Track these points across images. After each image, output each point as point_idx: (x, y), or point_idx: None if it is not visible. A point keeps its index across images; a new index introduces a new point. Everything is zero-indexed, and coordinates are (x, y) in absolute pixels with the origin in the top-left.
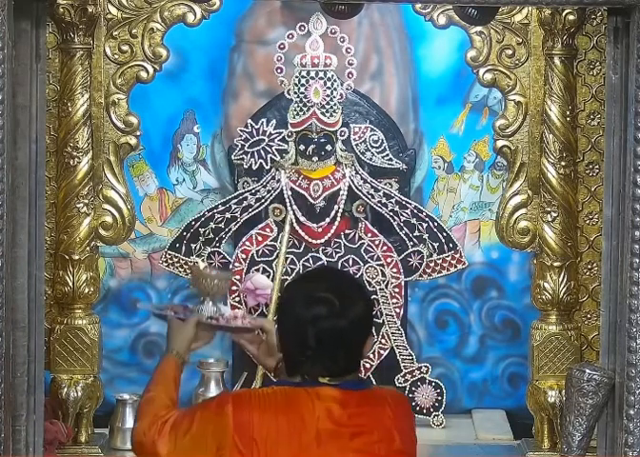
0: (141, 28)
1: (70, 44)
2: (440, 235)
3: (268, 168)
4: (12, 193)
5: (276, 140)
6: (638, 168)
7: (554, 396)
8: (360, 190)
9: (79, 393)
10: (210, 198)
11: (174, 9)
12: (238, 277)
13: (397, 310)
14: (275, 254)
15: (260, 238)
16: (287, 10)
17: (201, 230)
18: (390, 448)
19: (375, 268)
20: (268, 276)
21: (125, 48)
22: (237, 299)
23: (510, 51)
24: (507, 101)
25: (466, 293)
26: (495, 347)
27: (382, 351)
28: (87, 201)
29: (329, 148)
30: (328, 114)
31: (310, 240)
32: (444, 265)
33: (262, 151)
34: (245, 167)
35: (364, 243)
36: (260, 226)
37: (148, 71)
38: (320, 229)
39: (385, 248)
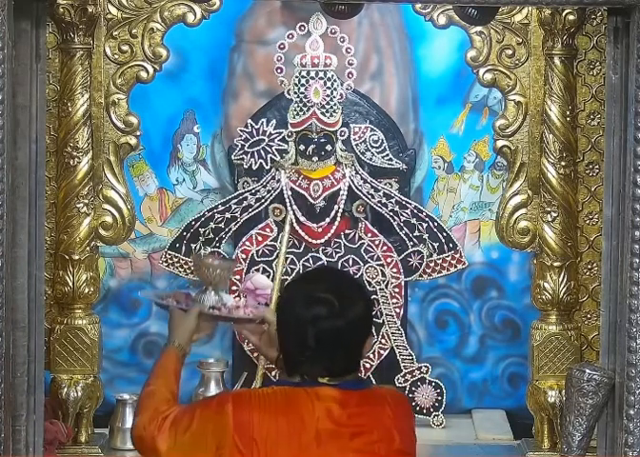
0: (141, 28)
1: (70, 44)
2: (440, 235)
3: (268, 168)
4: (12, 193)
5: (276, 140)
6: (638, 168)
7: (554, 396)
8: (360, 190)
9: (79, 393)
10: (210, 198)
11: (174, 9)
12: (238, 277)
13: (397, 310)
14: (275, 254)
15: (260, 238)
16: (287, 10)
17: (201, 230)
18: (390, 448)
19: (375, 268)
20: (268, 276)
21: (125, 48)
22: (237, 299)
23: (509, 51)
24: (507, 101)
25: (466, 293)
26: (495, 347)
27: (382, 351)
28: (87, 201)
29: (329, 148)
30: (328, 114)
31: (310, 240)
32: (444, 265)
33: (262, 151)
34: (245, 167)
35: (364, 243)
36: (260, 226)
37: (148, 71)
38: (320, 229)
39: (385, 248)
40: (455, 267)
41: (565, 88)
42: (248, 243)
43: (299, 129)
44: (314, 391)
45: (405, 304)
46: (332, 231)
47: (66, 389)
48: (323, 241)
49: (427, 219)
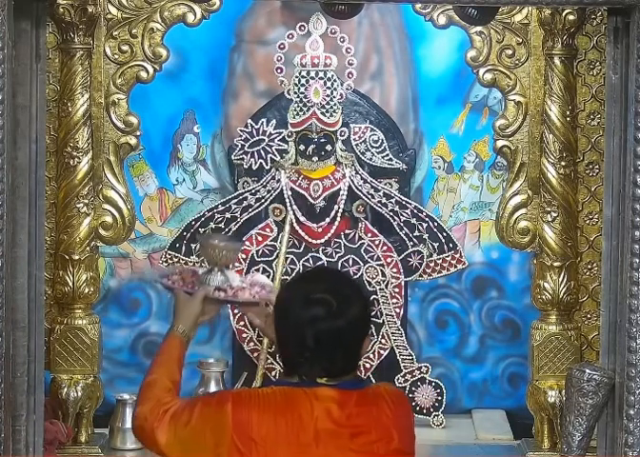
0: (141, 28)
1: (70, 44)
2: (440, 235)
3: (268, 168)
4: (12, 193)
5: (276, 140)
6: (638, 168)
7: (554, 396)
8: (360, 190)
9: (79, 393)
10: (210, 198)
11: (174, 9)
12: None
13: (397, 310)
14: (275, 254)
15: (260, 238)
16: (287, 10)
17: (201, 230)
18: (389, 448)
19: (375, 268)
20: (268, 276)
21: (125, 48)
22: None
23: (509, 51)
24: (507, 101)
25: (466, 293)
26: (495, 347)
27: (382, 351)
28: (87, 201)
29: (329, 148)
30: (328, 114)
31: (310, 240)
32: (444, 265)
33: (262, 151)
34: (245, 167)
35: (364, 243)
36: (260, 226)
37: (148, 71)
38: (320, 229)
39: (385, 248)
40: (455, 267)
41: (565, 88)
42: (248, 243)
43: (299, 129)
44: (313, 392)
45: (405, 304)
46: (332, 231)
47: (66, 389)
48: (323, 241)
49: (427, 219)
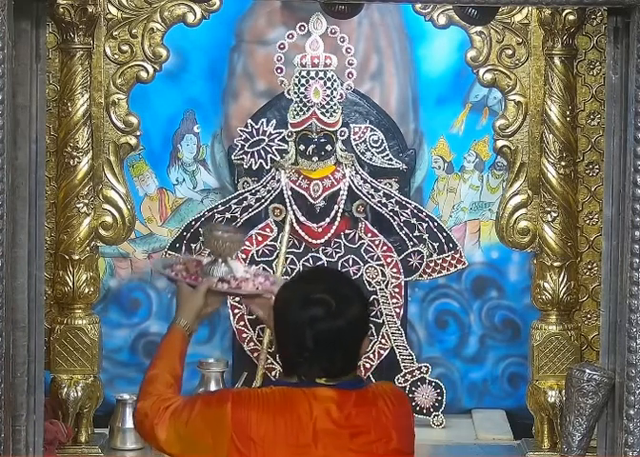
0: (141, 28)
1: (70, 44)
2: (440, 235)
3: (268, 168)
4: (12, 193)
5: (276, 140)
6: (638, 168)
7: (554, 396)
8: (360, 190)
9: (79, 393)
10: (210, 198)
11: (174, 9)
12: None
13: (397, 310)
14: (275, 254)
15: (260, 238)
16: (287, 10)
17: (201, 230)
18: (388, 448)
19: (375, 268)
20: None
21: (125, 48)
22: (237, 299)
23: (509, 51)
24: (507, 101)
25: (466, 293)
26: (495, 347)
27: (382, 351)
28: (87, 201)
29: (329, 148)
30: (328, 114)
31: (310, 240)
32: (444, 265)
33: (262, 151)
34: (245, 167)
35: (364, 243)
36: (260, 226)
37: (148, 71)
38: (320, 229)
39: (385, 248)
40: (455, 267)
41: (565, 88)
42: (248, 243)
43: (299, 129)
44: (312, 392)
45: (405, 304)
46: (332, 231)
47: (66, 389)
48: (323, 241)
49: (427, 219)
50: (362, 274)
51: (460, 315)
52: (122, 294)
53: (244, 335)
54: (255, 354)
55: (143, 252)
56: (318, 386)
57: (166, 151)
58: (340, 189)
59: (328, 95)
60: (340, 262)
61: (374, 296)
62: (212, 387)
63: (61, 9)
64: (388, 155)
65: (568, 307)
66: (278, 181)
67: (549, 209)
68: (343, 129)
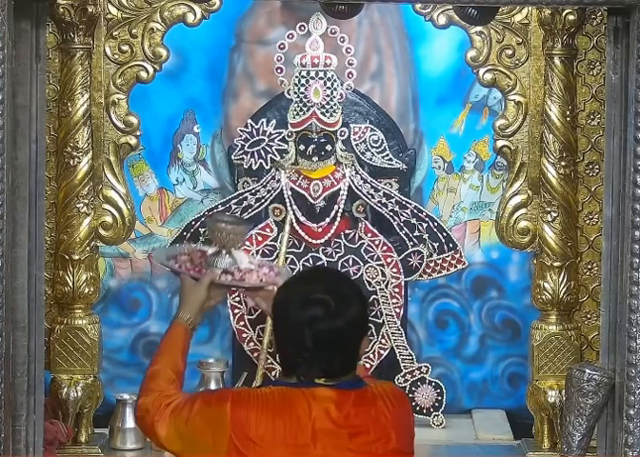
0: (141, 28)
1: (70, 44)
2: (440, 235)
3: (268, 168)
4: (12, 193)
5: (276, 140)
6: (638, 168)
7: (554, 396)
8: (360, 190)
9: (79, 393)
10: (210, 198)
11: (174, 9)
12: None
13: (397, 310)
14: (275, 254)
15: (260, 238)
16: (287, 10)
17: (201, 230)
18: (387, 448)
19: (375, 268)
20: None
21: (125, 48)
22: (237, 299)
23: (509, 51)
24: (507, 101)
25: (466, 293)
26: (495, 347)
27: (382, 351)
28: (87, 201)
29: (329, 148)
30: (328, 114)
31: (310, 240)
32: (444, 265)
33: (262, 151)
34: (245, 167)
35: (364, 243)
36: (260, 226)
37: (148, 71)
38: (320, 229)
39: (385, 248)
40: (455, 267)
41: (565, 88)
42: (248, 243)
43: (299, 129)
44: (311, 392)
45: (405, 304)
46: (332, 231)
47: (66, 389)
48: (323, 241)
49: (427, 219)
50: (362, 274)
51: (460, 315)
52: (122, 294)
53: (244, 335)
54: (255, 354)
55: (143, 252)
56: (317, 386)
57: (166, 151)
58: (340, 189)
59: (328, 95)
60: (340, 262)
61: (374, 296)
62: (212, 387)
63: (61, 9)
64: (388, 155)
65: (568, 307)
66: (278, 181)
67: (549, 209)
68: (343, 129)
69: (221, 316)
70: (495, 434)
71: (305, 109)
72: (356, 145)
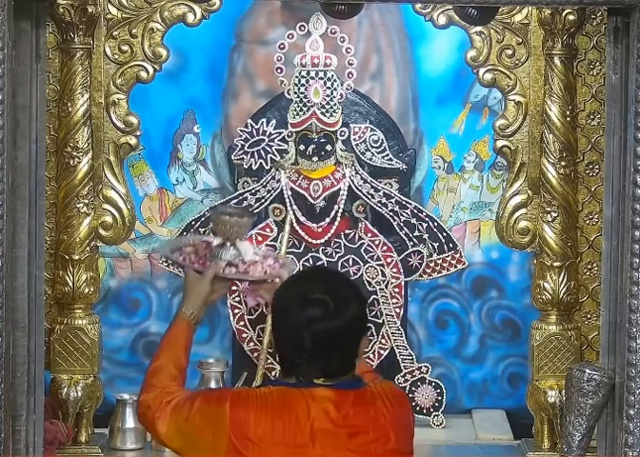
0: (141, 28)
1: (70, 44)
2: (440, 235)
3: (268, 168)
4: (12, 193)
5: (276, 140)
6: (638, 168)
7: (554, 396)
8: (360, 190)
9: (79, 393)
10: (210, 198)
11: (174, 9)
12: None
13: (397, 310)
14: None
15: (260, 238)
16: (287, 10)
17: (201, 230)
18: (386, 448)
19: (375, 268)
20: None
21: (125, 48)
22: (237, 299)
23: (509, 51)
24: (507, 101)
25: (466, 293)
26: (495, 347)
27: (382, 351)
28: (87, 201)
29: (329, 148)
30: (328, 114)
31: (310, 240)
32: (444, 265)
33: (262, 151)
34: (245, 167)
35: (364, 243)
36: (260, 226)
37: (148, 71)
38: (320, 229)
39: (385, 248)
40: (455, 267)
41: (565, 88)
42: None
43: (299, 129)
44: (310, 392)
45: (405, 304)
46: (332, 231)
47: (66, 389)
48: (323, 241)
49: (427, 219)
50: (362, 274)
51: (460, 315)
52: (122, 294)
53: (244, 335)
54: (255, 354)
55: (143, 252)
56: (316, 386)
57: (166, 151)
58: (340, 189)
59: (328, 95)
60: (340, 262)
61: (374, 296)
62: (212, 388)
63: (61, 9)
64: (388, 155)
65: (568, 307)
66: (278, 181)
67: (549, 209)
68: (343, 129)
69: (221, 316)
70: (495, 434)
71: (305, 109)
72: (356, 145)
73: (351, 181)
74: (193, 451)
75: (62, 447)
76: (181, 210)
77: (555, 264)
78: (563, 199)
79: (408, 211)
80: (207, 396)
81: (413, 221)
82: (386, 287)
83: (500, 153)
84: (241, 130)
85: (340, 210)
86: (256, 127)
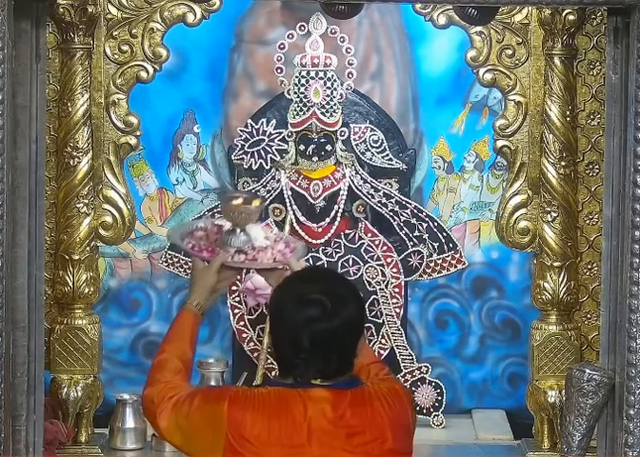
0: (141, 28)
1: (70, 44)
2: (440, 235)
3: (268, 168)
4: (12, 193)
5: (276, 140)
6: (638, 168)
7: (554, 396)
8: (360, 190)
9: (79, 393)
10: (210, 198)
11: (174, 9)
12: (238, 277)
13: (397, 310)
14: None
15: None
16: (287, 10)
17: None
18: (383, 448)
19: (375, 268)
20: None
21: (125, 48)
22: (237, 299)
23: (509, 51)
24: (507, 101)
25: (466, 293)
26: (495, 347)
27: (382, 351)
28: (87, 201)
29: (329, 148)
30: (328, 114)
31: (310, 240)
32: (444, 265)
33: (262, 151)
34: (245, 167)
35: (364, 243)
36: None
37: (148, 71)
38: (320, 229)
39: (385, 248)
40: (455, 267)
41: (565, 88)
42: None
43: (299, 129)
44: (307, 393)
45: (405, 304)
46: (332, 231)
47: (66, 389)
48: (323, 241)
49: (427, 219)
50: (362, 274)
51: (460, 315)
52: (122, 294)
53: (244, 335)
54: (255, 354)
55: (143, 252)
56: (313, 386)
57: (166, 151)
58: (340, 189)
59: (328, 95)
60: (340, 262)
61: (374, 296)
62: None
63: (61, 9)
64: (388, 155)
65: (568, 307)
66: (278, 181)
67: (549, 209)
68: (343, 129)
69: (221, 316)
70: (495, 434)
71: (305, 109)
72: (356, 145)
73: (351, 181)
74: (193, 447)
75: (62, 446)
76: (181, 210)
77: (555, 264)
78: (563, 199)
79: (408, 211)
80: (206, 394)
81: (413, 221)
82: (386, 287)
83: (500, 153)
84: (241, 130)
85: (340, 210)
86: (256, 127)
